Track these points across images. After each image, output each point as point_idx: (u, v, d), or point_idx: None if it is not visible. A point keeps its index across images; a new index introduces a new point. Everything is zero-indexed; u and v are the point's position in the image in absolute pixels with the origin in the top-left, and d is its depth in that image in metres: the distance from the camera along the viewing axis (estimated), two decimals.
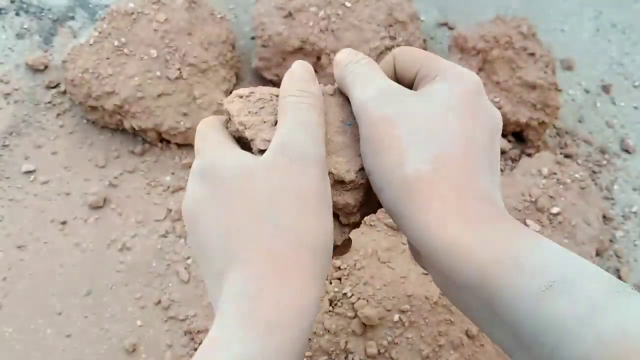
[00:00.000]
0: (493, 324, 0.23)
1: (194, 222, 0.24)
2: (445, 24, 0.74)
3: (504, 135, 0.61)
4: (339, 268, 0.49)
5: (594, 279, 0.21)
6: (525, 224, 0.50)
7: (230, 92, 0.63)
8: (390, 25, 0.60)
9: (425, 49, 0.65)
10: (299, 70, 0.26)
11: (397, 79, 0.28)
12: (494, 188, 0.25)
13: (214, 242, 0.23)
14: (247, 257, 0.22)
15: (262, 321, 0.21)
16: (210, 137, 0.25)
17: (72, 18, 0.69)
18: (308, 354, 0.46)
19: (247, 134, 0.25)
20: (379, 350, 0.46)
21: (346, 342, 0.46)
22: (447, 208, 0.23)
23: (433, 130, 0.24)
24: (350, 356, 0.46)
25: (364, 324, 0.47)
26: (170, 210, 0.55)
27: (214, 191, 0.23)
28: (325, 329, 0.47)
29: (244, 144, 0.26)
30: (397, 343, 0.47)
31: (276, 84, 0.65)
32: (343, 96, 0.28)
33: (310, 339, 0.46)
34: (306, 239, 0.23)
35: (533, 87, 0.57)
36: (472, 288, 0.22)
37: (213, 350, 0.21)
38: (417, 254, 0.26)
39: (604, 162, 0.64)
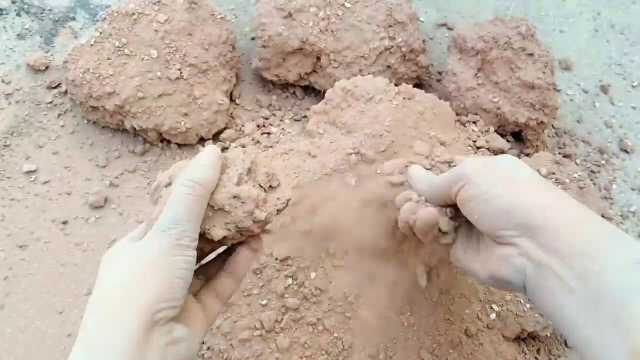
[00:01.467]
0: (574, 296, 0.28)
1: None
2: (444, 25, 0.74)
3: (503, 136, 0.61)
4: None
5: None
6: None
7: (231, 93, 0.64)
8: (390, 26, 0.60)
9: (424, 49, 0.65)
10: (205, 157, 0.32)
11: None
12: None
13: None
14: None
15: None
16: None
17: (73, 19, 0.69)
18: (308, 353, 0.46)
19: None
20: (378, 350, 0.46)
21: (345, 342, 0.46)
22: (559, 199, 0.32)
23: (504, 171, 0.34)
24: (350, 356, 0.46)
25: (363, 324, 0.47)
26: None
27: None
28: (325, 329, 0.47)
29: None
30: (396, 343, 0.47)
31: (276, 84, 0.66)
32: None
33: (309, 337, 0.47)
34: (133, 300, 0.28)
35: (532, 87, 0.57)
36: (577, 257, 0.28)
37: None
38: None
39: (603, 162, 0.65)
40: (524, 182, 0.33)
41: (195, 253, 0.30)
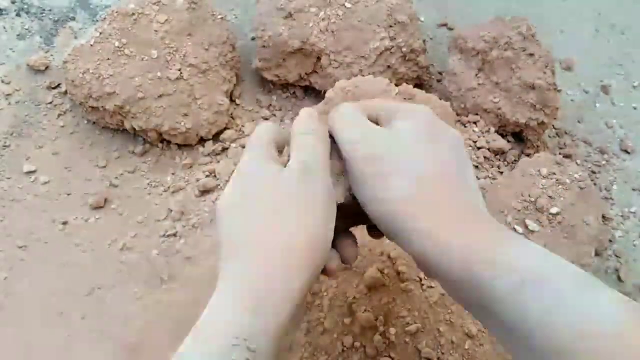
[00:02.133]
0: (487, 318, 0.26)
1: (224, 212, 0.28)
2: (444, 25, 0.74)
3: (503, 136, 0.61)
4: None
5: (564, 275, 0.24)
6: (525, 224, 0.50)
7: (231, 93, 0.63)
8: (390, 26, 0.60)
9: (425, 49, 0.65)
10: (304, 115, 0.33)
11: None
12: (473, 195, 0.29)
13: (231, 231, 0.28)
14: (249, 248, 0.27)
15: (247, 302, 0.25)
16: (256, 146, 0.31)
17: (73, 19, 0.69)
18: (306, 354, 0.46)
19: None
20: (377, 350, 0.46)
21: (345, 342, 0.46)
22: (433, 219, 0.27)
23: (408, 160, 0.29)
24: (350, 356, 0.46)
25: (362, 325, 0.47)
26: (170, 210, 0.55)
27: (244, 191, 0.29)
28: (325, 329, 0.47)
29: None
30: (396, 343, 0.47)
31: (276, 84, 0.65)
32: None
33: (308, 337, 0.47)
34: (302, 237, 0.27)
35: (532, 87, 0.57)
36: (463, 287, 0.25)
37: (208, 325, 0.25)
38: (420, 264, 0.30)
39: (603, 162, 0.65)
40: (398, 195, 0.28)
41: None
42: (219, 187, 0.57)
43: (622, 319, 0.22)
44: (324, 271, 0.30)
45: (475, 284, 0.25)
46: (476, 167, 0.57)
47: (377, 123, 0.32)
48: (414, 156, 0.29)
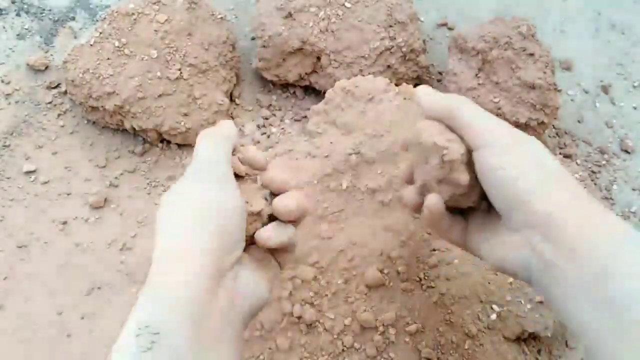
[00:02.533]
0: (581, 293, 0.28)
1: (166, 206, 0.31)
2: (444, 25, 0.74)
3: None
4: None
5: None
6: None
7: (231, 93, 0.63)
8: (390, 26, 0.60)
9: (425, 49, 0.65)
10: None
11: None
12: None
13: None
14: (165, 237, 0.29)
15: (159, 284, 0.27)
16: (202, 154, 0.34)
17: (73, 19, 0.69)
18: (306, 354, 0.46)
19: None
20: (378, 350, 0.46)
21: (345, 342, 0.46)
22: (579, 194, 0.31)
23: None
24: (350, 356, 0.46)
25: (362, 325, 0.47)
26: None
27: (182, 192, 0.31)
28: (325, 329, 0.47)
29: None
30: (395, 343, 0.47)
31: (276, 84, 0.65)
32: None
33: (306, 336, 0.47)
34: (198, 245, 0.28)
35: (532, 87, 0.57)
36: (588, 255, 0.27)
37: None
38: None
39: (604, 162, 0.65)
40: (552, 171, 0.32)
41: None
42: None
43: None
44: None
45: (601, 250, 0.27)
46: None
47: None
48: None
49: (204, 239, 0.28)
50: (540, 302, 0.50)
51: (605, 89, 0.70)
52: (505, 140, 0.32)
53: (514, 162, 0.31)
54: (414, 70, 0.63)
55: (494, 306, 0.49)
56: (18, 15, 0.68)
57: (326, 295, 0.47)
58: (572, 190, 0.31)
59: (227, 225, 0.29)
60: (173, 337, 0.25)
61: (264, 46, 0.60)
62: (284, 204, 0.33)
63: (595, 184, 0.62)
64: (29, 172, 0.58)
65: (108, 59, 0.56)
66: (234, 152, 0.35)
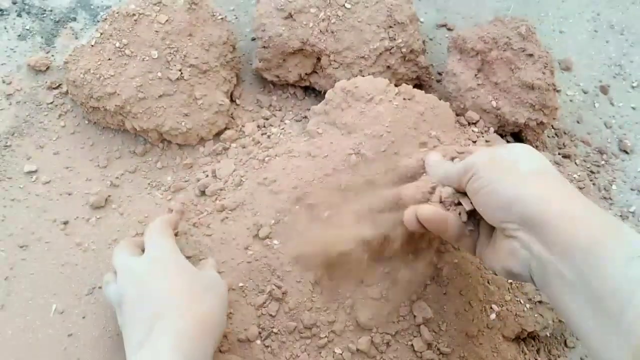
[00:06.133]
0: (575, 291, 0.29)
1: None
2: (444, 25, 0.74)
3: (503, 136, 0.61)
4: None
5: None
6: None
7: (231, 94, 0.64)
8: (390, 27, 0.60)
9: (424, 49, 0.65)
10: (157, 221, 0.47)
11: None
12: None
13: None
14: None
15: None
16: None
17: (74, 19, 0.69)
18: (305, 355, 0.46)
19: None
20: (377, 348, 0.47)
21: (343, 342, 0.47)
22: (559, 191, 0.32)
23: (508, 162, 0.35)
24: (350, 357, 0.46)
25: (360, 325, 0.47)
26: (171, 210, 0.55)
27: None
28: (329, 332, 0.47)
29: None
30: (391, 345, 0.47)
31: (276, 84, 0.66)
32: None
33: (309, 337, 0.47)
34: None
35: (532, 87, 0.57)
36: (577, 252, 0.28)
37: None
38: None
39: (602, 162, 0.65)
40: (526, 174, 0.33)
41: None
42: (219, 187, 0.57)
43: None
44: None
45: (593, 249, 0.28)
46: None
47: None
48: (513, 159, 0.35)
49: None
50: (540, 302, 0.50)
51: (604, 90, 0.71)
52: (481, 163, 0.35)
53: (489, 177, 0.34)
54: (414, 71, 0.63)
55: (494, 306, 0.50)
56: (19, 15, 0.68)
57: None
58: (553, 185, 0.33)
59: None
60: None
61: (264, 47, 0.61)
62: None
63: (594, 184, 0.62)
64: (30, 172, 0.58)
65: (109, 59, 0.56)
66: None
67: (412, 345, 0.47)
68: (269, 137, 0.60)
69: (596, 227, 0.29)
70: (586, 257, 0.28)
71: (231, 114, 0.62)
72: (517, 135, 0.63)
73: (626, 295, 0.26)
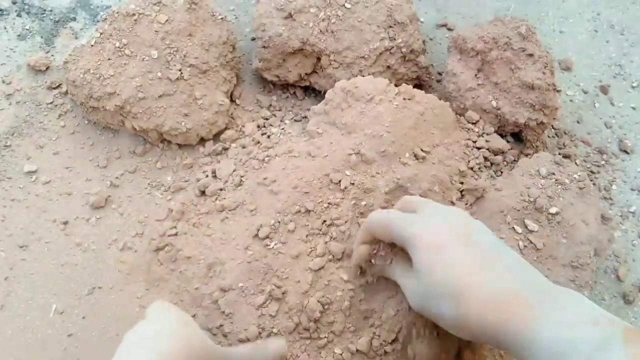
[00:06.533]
0: None
1: None
2: (444, 25, 0.74)
3: (503, 136, 0.61)
4: None
5: (581, 348, 0.27)
6: (524, 224, 0.50)
7: (231, 94, 0.64)
8: (390, 27, 0.60)
9: (424, 49, 0.65)
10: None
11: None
12: (501, 270, 0.34)
13: None
14: None
15: None
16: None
17: (74, 19, 0.69)
18: (305, 355, 0.46)
19: None
20: (376, 352, 0.46)
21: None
22: (480, 324, 0.32)
23: (437, 288, 0.34)
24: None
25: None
26: (171, 210, 0.55)
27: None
28: (328, 332, 0.47)
29: None
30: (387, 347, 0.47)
31: (276, 84, 0.66)
32: None
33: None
34: None
35: (532, 87, 0.57)
36: None
37: None
38: None
39: (603, 162, 0.65)
40: (459, 260, 0.34)
41: None
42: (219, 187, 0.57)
43: None
44: None
45: None
46: (475, 167, 0.57)
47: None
48: (441, 280, 0.34)
49: None
50: None
51: (604, 90, 0.71)
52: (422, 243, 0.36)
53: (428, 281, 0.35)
54: (414, 71, 0.63)
55: None
56: (19, 15, 0.68)
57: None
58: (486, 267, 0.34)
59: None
60: None
61: (264, 47, 0.61)
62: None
63: (594, 184, 0.62)
64: (29, 172, 0.58)
65: (109, 59, 0.56)
66: None
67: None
68: (269, 137, 0.60)
69: (525, 314, 0.31)
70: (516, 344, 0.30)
71: (231, 114, 0.62)
72: (517, 135, 0.63)
73: None
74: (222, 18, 0.61)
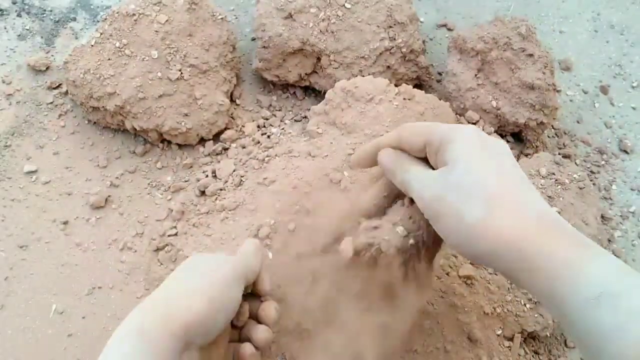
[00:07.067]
0: (566, 328, 0.28)
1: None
2: (444, 25, 0.74)
3: (503, 136, 0.61)
4: None
5: (638, 291, 0.25)
6: None
7: (231, 94, 0.64)
8: (390, 27, 0.60)
9: (424, 49, 0.65)
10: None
11: (406, 150, 0.34)
12: (538, 197, 0.29)
13: None
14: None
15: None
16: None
17: (74, 19, 0.69)
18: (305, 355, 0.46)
19: None
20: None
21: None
22: (513, 233, 0.28)
23: (471, 185, 0.29)
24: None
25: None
26: (171, 210, 0.55)
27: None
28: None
29: None
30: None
31: (276, 84, 0.66)
32: None
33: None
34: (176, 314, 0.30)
35: (532, 87, 0.57)
36: (545, 296, 0.27)
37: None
38: None
39: (602, 162, 0.65)
40: (458, 187, 0.30)
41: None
42: (219, 187, 0.57)
43: None
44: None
45: (555, 294, 0.26)
46: None
47: (420, 151, 0.33)
48: (474, 179, 0.29)
49: (183, 310, 0.30)
50: (539, 302, 0.50)
51: (604, 90, 0.71)
52: (469, 143, 0.31)
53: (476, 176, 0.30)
54: (414, 71, 0.63)
55: (495, 306, 0.50)
56: (19, 15, 0.68)
57: None
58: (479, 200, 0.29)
59: (212, 310, 0.31)
60: None
61: (264, 47, 0.61)
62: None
63: (594, 184, 0.62)
64: (30, 172, 0.58)
65: (109, 59, 0.56)
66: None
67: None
68: (269, 137, 0.60)
69: (560, 268, 0.27)
70: (551, 304, 0.27)
71: (231, 114, 0.62)
72: (517, 135, 0.63)
73: (595, 344, 0.25)
74: (222, 18, 0.61)
